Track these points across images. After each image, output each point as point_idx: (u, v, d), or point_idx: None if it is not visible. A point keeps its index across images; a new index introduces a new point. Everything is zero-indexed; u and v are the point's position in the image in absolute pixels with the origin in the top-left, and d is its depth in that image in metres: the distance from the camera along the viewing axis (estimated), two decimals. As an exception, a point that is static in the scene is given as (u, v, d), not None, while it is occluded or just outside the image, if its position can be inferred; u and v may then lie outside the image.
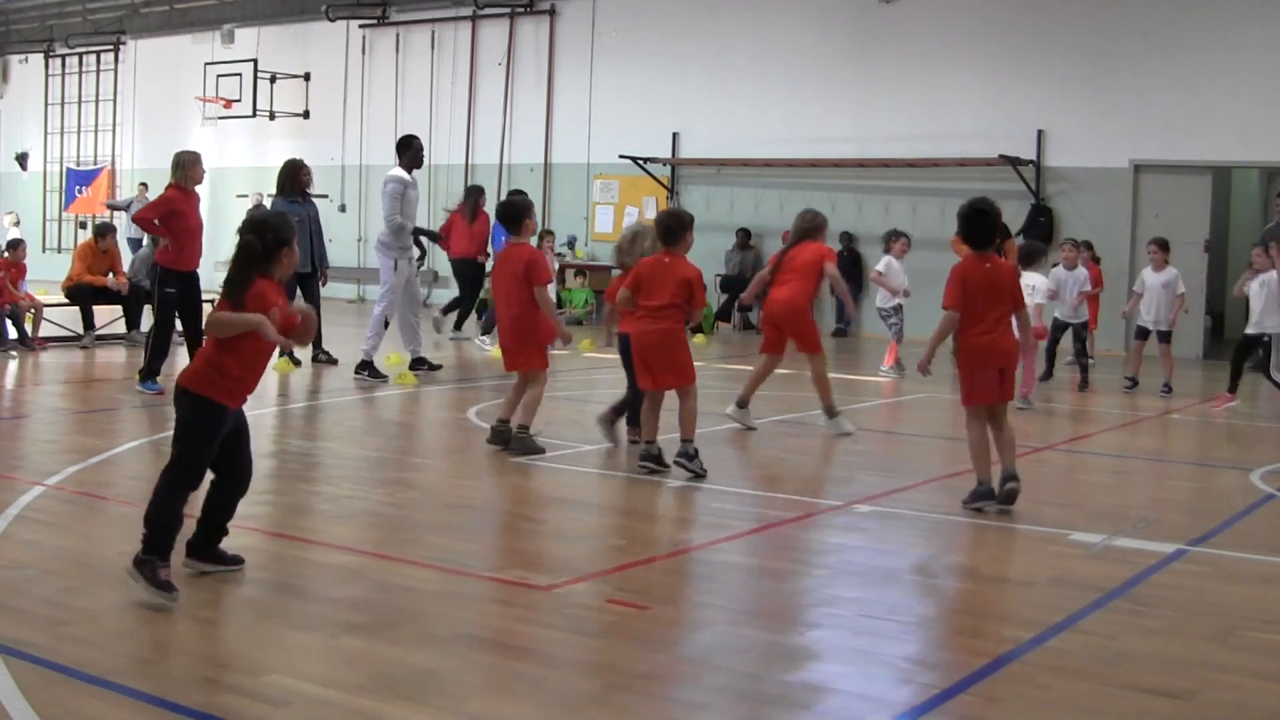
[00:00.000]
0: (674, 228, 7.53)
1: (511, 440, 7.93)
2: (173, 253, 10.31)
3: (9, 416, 9.56)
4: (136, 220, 11.03)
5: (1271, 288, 11.14)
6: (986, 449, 6.67)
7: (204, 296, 10.30)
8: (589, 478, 7.72)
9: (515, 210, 8.21)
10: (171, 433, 4.86)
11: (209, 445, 4.80)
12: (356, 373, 11.52)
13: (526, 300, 7.87)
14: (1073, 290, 12.53)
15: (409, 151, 12.20)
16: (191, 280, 10.54)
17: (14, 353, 13.16)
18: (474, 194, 15.74)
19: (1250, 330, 11.41)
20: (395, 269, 11.89)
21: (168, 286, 10.35)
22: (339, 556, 5.46)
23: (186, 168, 10.32)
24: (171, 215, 10.22)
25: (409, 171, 12.12)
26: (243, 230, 4.87)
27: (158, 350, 10.38)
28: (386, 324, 12.02)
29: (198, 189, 10.59)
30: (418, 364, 12.17)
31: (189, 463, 4.79)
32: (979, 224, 6.69)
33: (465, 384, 11.69)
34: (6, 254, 14.42)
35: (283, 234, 4.87)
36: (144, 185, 24.64)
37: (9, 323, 13.43)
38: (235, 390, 4.83)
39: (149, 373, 10.36)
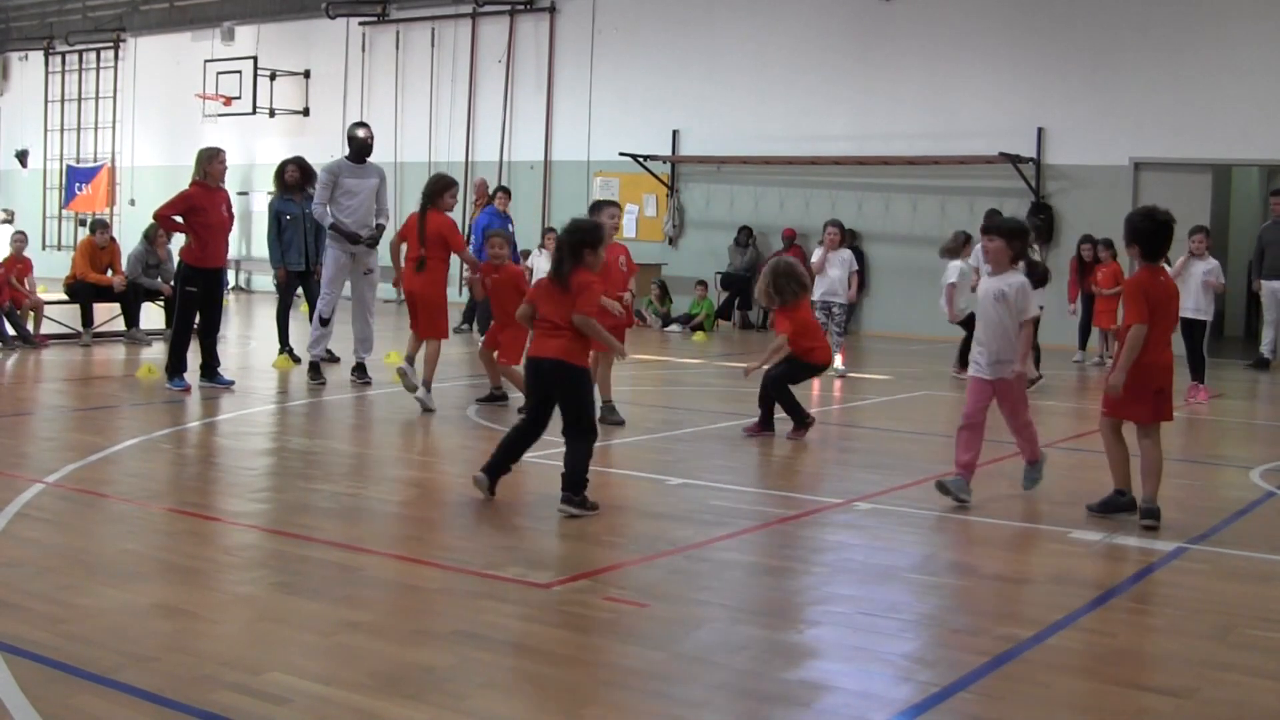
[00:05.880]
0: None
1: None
2: (196, 249, 10.36)
3: (9, 414, 9.55)
4: (157, 218, 11.01)
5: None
6: (1126, 457, 6.44)
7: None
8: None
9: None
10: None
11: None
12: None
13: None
14: (1198, 281, 11.95)
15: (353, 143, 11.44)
16: (214, 277, 10.55)
17: (16, 347, 13.17)
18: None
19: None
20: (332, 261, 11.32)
21: (190, 285, 10.37)
22: (339, 554, 5.46)
23: (204, 163, 10.39)
24: (191, 211, 10.27)
25: (351, 162, 11.33)
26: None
27: (179, 348, 10.43)
28: (324, 321, 11.32)
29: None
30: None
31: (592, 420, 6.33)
32: (1159, 235, 6.46)
33: (464, 382, 11.69)
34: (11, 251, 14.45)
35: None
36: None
37: (7, 321, 13.42)
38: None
39: (174, 370, 10.40)
